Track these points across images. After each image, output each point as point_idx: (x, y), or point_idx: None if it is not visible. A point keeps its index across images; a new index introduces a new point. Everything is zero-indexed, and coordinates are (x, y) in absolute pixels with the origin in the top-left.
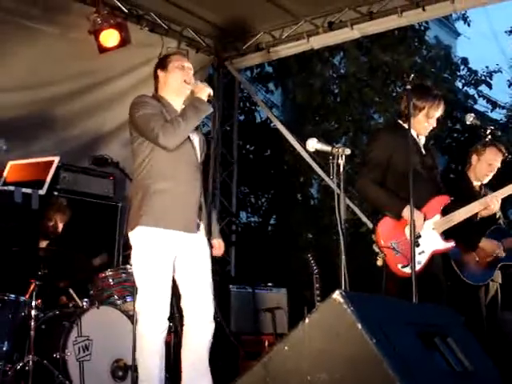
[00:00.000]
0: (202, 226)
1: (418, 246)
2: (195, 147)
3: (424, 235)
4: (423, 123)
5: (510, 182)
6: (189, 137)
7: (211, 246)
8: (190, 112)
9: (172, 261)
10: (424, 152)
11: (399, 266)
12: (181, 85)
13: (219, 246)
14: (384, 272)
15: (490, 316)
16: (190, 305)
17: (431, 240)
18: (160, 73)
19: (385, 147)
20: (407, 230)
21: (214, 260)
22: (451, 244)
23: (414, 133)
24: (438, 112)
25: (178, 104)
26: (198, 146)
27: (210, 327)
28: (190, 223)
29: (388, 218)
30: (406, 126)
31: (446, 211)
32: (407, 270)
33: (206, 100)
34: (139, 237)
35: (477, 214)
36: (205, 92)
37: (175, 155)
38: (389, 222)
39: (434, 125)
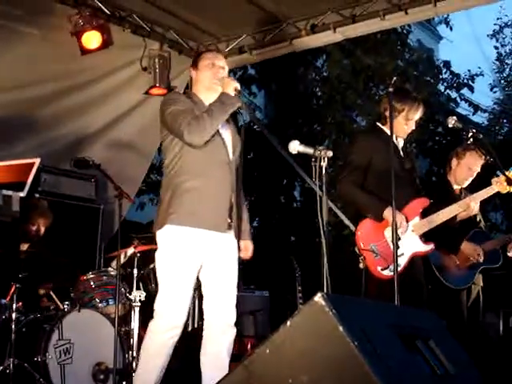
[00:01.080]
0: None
1: (397, 248)
2: (226, 145)
3: (403, 238)
4: (402, 125)
5: (488, 184)
6: (220, 134)
7: (239, 249)
8: (216, 107)
9: (198, 263)
10: (402, 155)
11: (379, 268)
12: (210, 82)
13: (247, 248)
14: (364, 274)
15: (472, 319)
16: (211, 307)
17: (411, 242)
18: (192, 71)
19: (364, 150)
20: (387, 232)
21: None
22: (430, 247)
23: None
24: (417, 115)
25: (210, 101)
26: (231, 143)
27: (230, 332)
28: (220, 222)
29: (367, 220)
30: (384, 128)
31: (425, 214)
32: (386, 272)
33: (232, 94)
34: (167, 236)
35: (456, 216)
36: (231, 86)
37: (205, 153)
38: (368, 224)
39: (413, 127)
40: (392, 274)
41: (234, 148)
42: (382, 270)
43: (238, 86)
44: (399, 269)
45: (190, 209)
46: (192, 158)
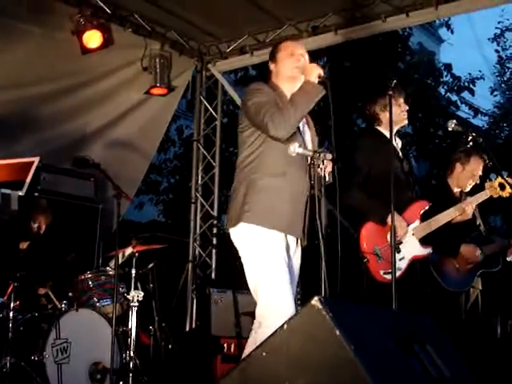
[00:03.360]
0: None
1: (398, 252)
2: (306, 143)
3: (404, 241)
4: (398, 113)
5: (483, 188)
6: (300, 131)
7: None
8: (300, 97)
9: (285, 258)
10: (401, 156)
11: (381, 272)
12: (291, 72)
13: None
14: (365, 277)
15: (471, 322)
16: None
17: (411, 246)
18: (271, 65)
19: (365, 153)
20: (389, 236)
21: (196, 264)
22: (428, 250)
23: (387, 133)
24: (402, 95)
25: (292, 92)
26: (310, 142)
27: None
28: (296, 226)
29: (371, 223)
30: (381, 129)
31: (425, 216)
32: (389, 276)
33: (316, 82)
34: (244, 235)
35: (451, 220)
36: (314, 73)
37: (285, 150)
38: (372, 227)
39: (407, 107)
40: None
41: (313, 147)
42: (384, 273)
43: (321, 72)
44: (399, 272)
45: (267, 209)
46: (271, 155)
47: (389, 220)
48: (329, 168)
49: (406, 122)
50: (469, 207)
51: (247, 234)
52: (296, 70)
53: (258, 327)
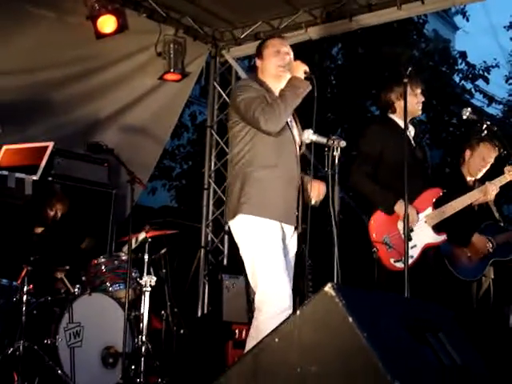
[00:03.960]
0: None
1: (410, 240)
2: (295, 137)
3: (416, 229)
4: (414, 104)
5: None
6: (288, 126)
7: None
8: (288, 92)
9: (281, 246)
10: (414, 144)
11: (392, 260)
12: (276, 70)
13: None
14: (376, 265)
15: (483, 311)
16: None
17: (423, 233)
18: (257, 61)
19: (375, 141)
20: (400, 225)
21: (208, 250)
22: (443, 237)
23: (400, 122)
24: (419, 86)
25: (278, 88)
26: (298, 137)
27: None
28: (290, 215)
29: (379, 212)
30: (395, 118)
31: (437, 204)
32: (399, 264)
33: (302, 77)
34: (242, 226)
35: (470, 205)
36: (300, 69)
37: (276, 143)
38: (381, 216)
39: (423, 99)
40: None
41: (300, 142)
42: (394, 261)
43: (307, 68)
44: (412, 260)
45: (262, 199)
46: (263, 148)
47: (396, 208)
48: (322, 189)
49: (420, 113)
50: (492, 187)
51: (245, 225)
52: (281, 69)
53: (258, 314)
